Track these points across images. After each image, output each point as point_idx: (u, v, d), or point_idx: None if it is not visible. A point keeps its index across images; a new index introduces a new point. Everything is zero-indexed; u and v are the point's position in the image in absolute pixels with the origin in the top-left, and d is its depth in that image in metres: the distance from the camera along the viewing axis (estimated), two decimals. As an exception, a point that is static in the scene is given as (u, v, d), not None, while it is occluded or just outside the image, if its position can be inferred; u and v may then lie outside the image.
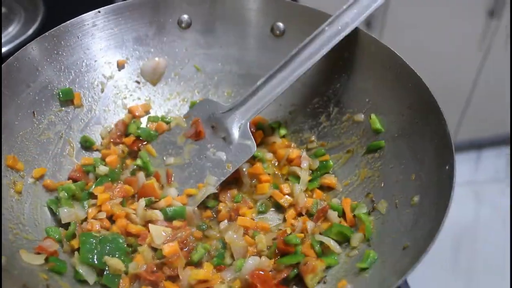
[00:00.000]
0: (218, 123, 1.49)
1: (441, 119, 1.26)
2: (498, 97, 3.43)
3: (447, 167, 1.19)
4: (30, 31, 1.97)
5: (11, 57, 1.35)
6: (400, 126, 1.38)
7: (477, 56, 3.25)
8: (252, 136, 1.45)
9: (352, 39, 1.46)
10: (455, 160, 1.18)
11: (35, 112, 1.40)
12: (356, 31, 1.45)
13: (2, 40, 1.93)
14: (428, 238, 1.10)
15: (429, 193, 1.23)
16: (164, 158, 1.51)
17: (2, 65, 1.33)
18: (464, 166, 3.45)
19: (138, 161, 1.48)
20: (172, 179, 1.46)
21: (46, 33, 1.43)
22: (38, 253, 1.22)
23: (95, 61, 1.54)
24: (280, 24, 1.57)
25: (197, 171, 1.47)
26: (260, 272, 1.23)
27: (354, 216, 1.36)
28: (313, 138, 1.56)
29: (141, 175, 1.45)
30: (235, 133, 1.46)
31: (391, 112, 1.41)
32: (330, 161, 1.50)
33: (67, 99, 1.47)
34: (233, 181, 1.48)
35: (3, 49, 1.89)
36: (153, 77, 1.61)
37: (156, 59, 1.61)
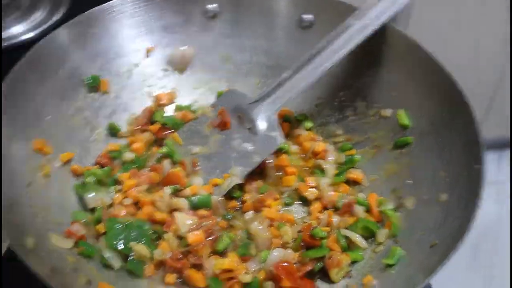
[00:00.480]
0: (244, 114, 1.48)
1: (471, 115, 1.25)
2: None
3: (476, 165, 1.18)
4: (56, 17, 1.96)
5: (39, 42, 1.35)
6: (428, 122, 1.37)
7: (502, 53, 3.21)
8: (278, 128, 1.44)
9: (381, 34, 1.44)
10: (484, 158, 1.17)
11: (63, 98, 1.41)
12: (385, 25, 1.43)
13: (29, 26, 1.93)
14: (456, 236, 1.09)
15: (458, 190, 1.22)
16: (190, 147, 1.50)
17: (31, 50, 1.33)
18: (486, 165, 3.39)
19: (164, 149, 1.47)
20: (198, 168, 1.45)
21: (75, 19, 1.43)
22: (67, 237, 1.22)
23: (123, 48, 1.54)
24: (309, 16, 1.56)
25: (223, 161, 1.46)
26: (285, 264, 1.23)
27: (380, 211, 1.35)
28: (339, 131, 1.54)
29: (166, 162, 1.44)
30: (262, 124, 1.45)
31: (419, 107, 1.40)
32: (357, 155, 1.48)
33: (95, 85, 1.47)
34: (258, 172, 1.47)
35: (29, 35, 1.89)
36: (180, 66, 1.61)
37: (184, 47, 1.60)
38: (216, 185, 1.42)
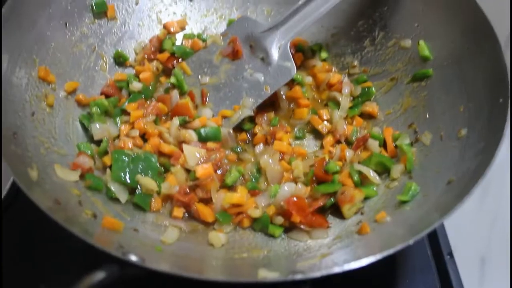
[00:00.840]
0: (257, 43, 1.42)
1: (497, 47, 1.17)
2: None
3: (501, 100, 1.12)
4: None
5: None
6: (450, 53, 1.30)
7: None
8: (292, 58, 1.38)
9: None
10: (509, 92, 1.11)
11: (67, 23, 1.35)
12: None
13: None
14: (475, 174, 1.05)
15: (479, 126, 1.16)
16: (199, 77, 1.45)
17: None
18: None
19: (172, 79, 1.42)
20: (207, 99, 1.41)
21: None
22: (73, 170, 1.19)
23: (131, -30, 1.46)
24: None
25: (233, 92, 1.41)
26: (296, 199, 1.20)
27: (396, 146, 1.31)
28: (355, 63, 1.48)
29: (174, 93, 1.40)
30: (275, 53, 1.39)
31: (441, 38, 1.32)
32: (373, 88, 1.42)
33: (101, 11, 1.41)
34: (270, 104, 1.42)
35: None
36: (190, -9, 1.54)
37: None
38: (225, 117, 1.38)
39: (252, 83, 1.40)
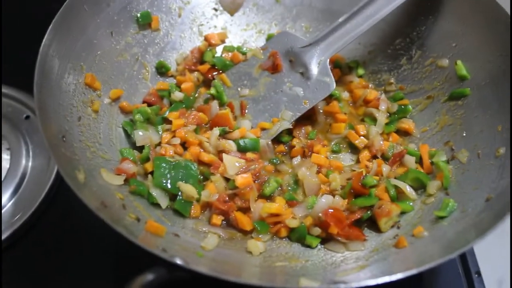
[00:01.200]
0: (297, 58, 1.44)
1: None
2: None
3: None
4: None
5: (93, -26, 1.32)
6: (488, 73, 1.30)
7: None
8: (331, 73, 1.40)
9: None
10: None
11: (113, 33, 1.38)
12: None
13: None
14: (514, 192, 1.06)
15: (517, 146, 1.17)
16: (239, 89, 1.47)
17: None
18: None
19: (212, 90, 1.45)
20: (246, 111, 1.43)
21: (129, -48, 1.39)
22: (118, 174, 1.22)
23: (175, -16, 1.50)
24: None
25: (272, 105, 1.43)
26: (334, 211, 1.21)
27: (432, 163, 1.32)
28: (392, 80, 1.50)
29: (214, 103, 1.42)
30: (314, 69, 1.41)
31: (479, 58, 1.33)
32: (409, 105, 1.44)
33: (146, 22, 1.45)
34: (307, 117, 1.44)
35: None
36: (231, 7, 1.57)
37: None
38: (264, 129, 1.40)
39: (291, 96, 1.42)
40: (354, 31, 1.39)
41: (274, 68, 1.46)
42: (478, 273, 1.33)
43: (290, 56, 1.45)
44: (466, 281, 1.31)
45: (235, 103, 1.44)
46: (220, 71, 1.50)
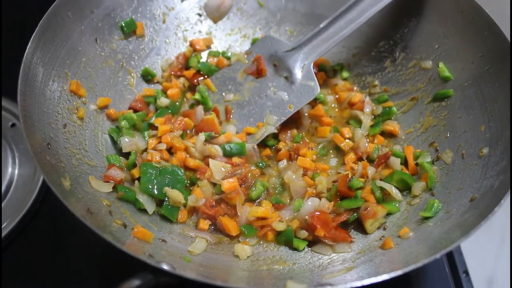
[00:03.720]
0: (281, 62, 1.44)
1: (517, 67, 1.19)
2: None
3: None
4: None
5: (77, -20, 1.31)
6: (471, 74, 1.31)
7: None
8: (315, 77, 1.40)
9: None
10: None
11: (97, 39, 1.37)
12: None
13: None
14: (497, 193, 1.06)
15: (499, 146, 1.17)
16: (224, 94, 1.47)
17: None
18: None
19: (197, 95, 1.45)
20: (231, 116, 1.42)
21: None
22: (106, 181, 1.21)
23: (158, -11, 1.49)
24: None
25: (257, 110, 1.43)
26: (320, 213, 1.21)
27: (417, 164, 1.32)
28: (376, 82, 1.50)
29: (199, 108, 1.42)
30: (298, 73, 1.41)
31: (462, 59, 1.33)
32: (394, 107, 1.44)
33: (131, 30, 1.44)
34: (293, 121, 1.44)
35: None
36: (215, 15, 1.56)
37: (223, -2, 1.55)
38: (249, 133, 1.40)
39: (275, 101, 1.42)
40: (337, 35, 1.39)
41: (258, 73, 1.46)
42: (466, 272, 1.33)
43: (274, 60, 1.45)
44: (453, 281, 1.31)
45: (220, 108, 1.43)
46: (206, 76, 1.50)
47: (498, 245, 3.13)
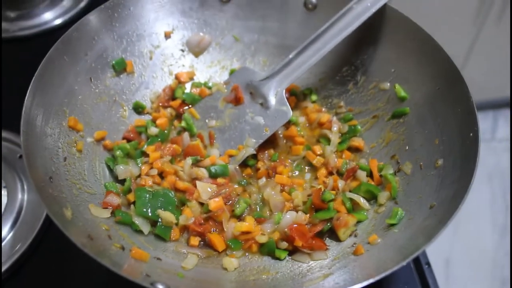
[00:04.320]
0: (256, 90, 1.41)
1: (464, 86, 1.17)
2: (489, 67, 3.33)
3: (471, 134, 1.11)
4: (82, 4, 1.88)
5: (71, 28, 1.27)
6: (424, 94, 1.29)
7: (471, 31, 3.13)
8: (287, 103, 1.37)
9: (378, 13, 1.35)
10: (479, 127, 1.10)
11: (92, 78, 1.33)
12: (383, 7, 1.34)
13: (57, 13, 1.85)
14: (453, 200, 1.03)
15: (452, 157, 1.15)
16: (207, 120, 1.44)
17: (64, 35, 1.25)
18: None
19: (183, 123, 1.41)
20: (214, 141, 1.39)
21: (102, 5, 1.34)
22: (104, 208, 1.17)
23: (144, 31, 1.45)
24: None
25: (237, 134, 1.39)
26: (298, 225, 1.18)
27: (381, 176, 1.29)
28: (341, 103, 1.47)
29: (186, 135, 1.39)
30: (272, 99, 1.38)
31: (415, 81, 1.31)
32: (358, 125, 1.41)
33: (121, 68, 1.40)
34: (270, 142, 1.40)
35: (59, 21, 1.82)
36: (196, 50, 1.52)
37: (201, 34, 1.52)
38: (231, 156, 1.37)
39: (253, 125, 1.39)
40: (305, 64, 1.36)
41: (237, 101, 1.43)
42: (428, 264, 1.30)
43: (250, 89, 1.42)
44: (417, 273, 1.28)
45: (204, 134, 1.40)
46: (190, 106, 1.46)
47: (453, 229, 3.15)
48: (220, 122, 1.42)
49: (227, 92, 1.45)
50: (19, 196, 1.37)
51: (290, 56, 1.37)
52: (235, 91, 1.43)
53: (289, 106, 1.36)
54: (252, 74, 1.43)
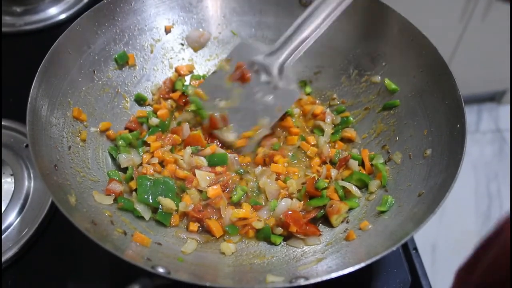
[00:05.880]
0: (262, 68, 1.34)
1: (452, 80, 1.16)
2: (473, 63, 3.32)
3: (458, 126, 1.10)
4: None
5: (75, 22, 1.25)
6: (414, 87, 1.28)
7: (457, 28, 3.12)
8: (295, 81, 1.35)
9: (371, 10, 1.34)
10: (466, 119, 1.09)
11: (95, 71, 1.31)
12: (376, 3, 1.32)
13: (62, 8, 1.83)
14: (441, 188, 1.03)
15: (440, 147, 1.15)
16: (216, 102, 1.37)
17: (68, 29, 1.23)
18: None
19: (192, 106, 1.37)
20: (229, 123, 1.35)
21: (105, 1, 1.32)
22: (107, 194, 1.16)
23: (146, 25, 1.43)
24: (308, -6, 1.44)
25: (250, 114, 1.34)
26: (292, 212, 1.17)
27: (372, 165, 1.28)
28: (335, 96, 1.45)
29: (185, 126, 1.36)
30: (279, 77, 1.32)
31: (405, 74, 1.30)
32: (350, 117, 1.40)
33: (123, 61, 1.38)
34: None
35: (63, 15, 1.80)
36: (196, 45, 1.50)
37: (201, 30, 1.49)
38: (248, 137, 1.33)
39: (264, 105, 1.33)
40: (307, 38, 1.30)
41: (243, 80, 1.36)
42: (416, 249, 1.29)
43: (255, 66, 1.35)
44: (405, 258, 1.28)
45: (216, 117, 1.35)
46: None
47: (439, 216, 3.15)
48: (230, 103, 1.36)
49: (231, 69, 1.38)
50: (26, 183, 1.36)
51: (286, 34, 1.32)
52: (240, 70, 1.36)
53: (297, 84, 1.34)
54: (254, 50, 1.36)
